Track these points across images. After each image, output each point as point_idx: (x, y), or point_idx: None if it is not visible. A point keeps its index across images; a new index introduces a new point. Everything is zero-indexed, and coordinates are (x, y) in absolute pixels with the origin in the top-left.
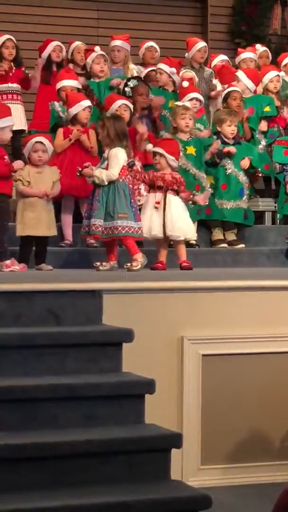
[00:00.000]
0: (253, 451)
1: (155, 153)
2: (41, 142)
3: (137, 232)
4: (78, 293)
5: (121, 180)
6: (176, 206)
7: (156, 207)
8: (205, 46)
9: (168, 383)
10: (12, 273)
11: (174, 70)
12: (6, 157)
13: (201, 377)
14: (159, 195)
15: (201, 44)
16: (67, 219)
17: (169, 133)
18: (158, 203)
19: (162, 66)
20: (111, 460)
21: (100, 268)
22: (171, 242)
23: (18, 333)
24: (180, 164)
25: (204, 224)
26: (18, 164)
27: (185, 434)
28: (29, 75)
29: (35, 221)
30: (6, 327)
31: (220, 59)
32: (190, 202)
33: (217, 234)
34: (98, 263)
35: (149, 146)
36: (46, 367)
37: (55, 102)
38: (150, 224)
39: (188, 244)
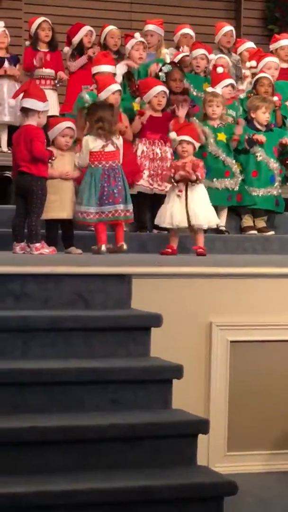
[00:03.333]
0: (280, 439)
1: (181, 141)
2: (70, 128)
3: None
4: (107, 277)
5: (92, 166)
6: (199, 194)
7: (178, 195)
8: (231, 30)
9: (196, 369)
10: (41, 256)
11: (213, 56)
12: (45, 140)
13: (229, 364)
14: (181, 184)
15: (227, 28)
16: None
17: (200, 119)
18: (180, 191)
19: (203, 51)
20: (137, 444)
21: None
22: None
23: (46, 316)
24: (210, 150)
25: (234, 210)
26: (56, 151)
27: (212, 420)
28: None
29: (57, 203)
30: (35, 309)
31: (247, 46)
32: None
33: (247, 221)
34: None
35: (173, 135)
36: (74, 351)
37: (84, 93)
38: (171, 213)
39: (217, 230)
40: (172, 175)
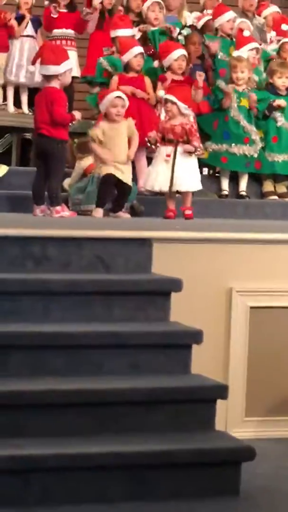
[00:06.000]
0: None
1: (166, 100)
2: (120, 97)
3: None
4: (128, 241)
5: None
6: (186, 159)
7: (166, 160)
8: None
9: (215, 334)
10: (62, 219)
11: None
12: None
13: (249, 329)
14: (169, 148)
15: None
16: None
17: (227, 83)
18: (168, 156)
19: (234, 14)
20: (156, 409)
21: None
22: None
23: (67, 279)
24: (232, 115)
25: (255, 175)
26: (78, 114)
27: (231, 385)
28: (86, 16)
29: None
30: (55, 273)
31: (272, 10)
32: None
33: (268, 186)
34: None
35: (161, 93)
36: (94, 314)
37: (102, 60)
38: (156, 177)
39: (238, 195)
40: (158, 135)
